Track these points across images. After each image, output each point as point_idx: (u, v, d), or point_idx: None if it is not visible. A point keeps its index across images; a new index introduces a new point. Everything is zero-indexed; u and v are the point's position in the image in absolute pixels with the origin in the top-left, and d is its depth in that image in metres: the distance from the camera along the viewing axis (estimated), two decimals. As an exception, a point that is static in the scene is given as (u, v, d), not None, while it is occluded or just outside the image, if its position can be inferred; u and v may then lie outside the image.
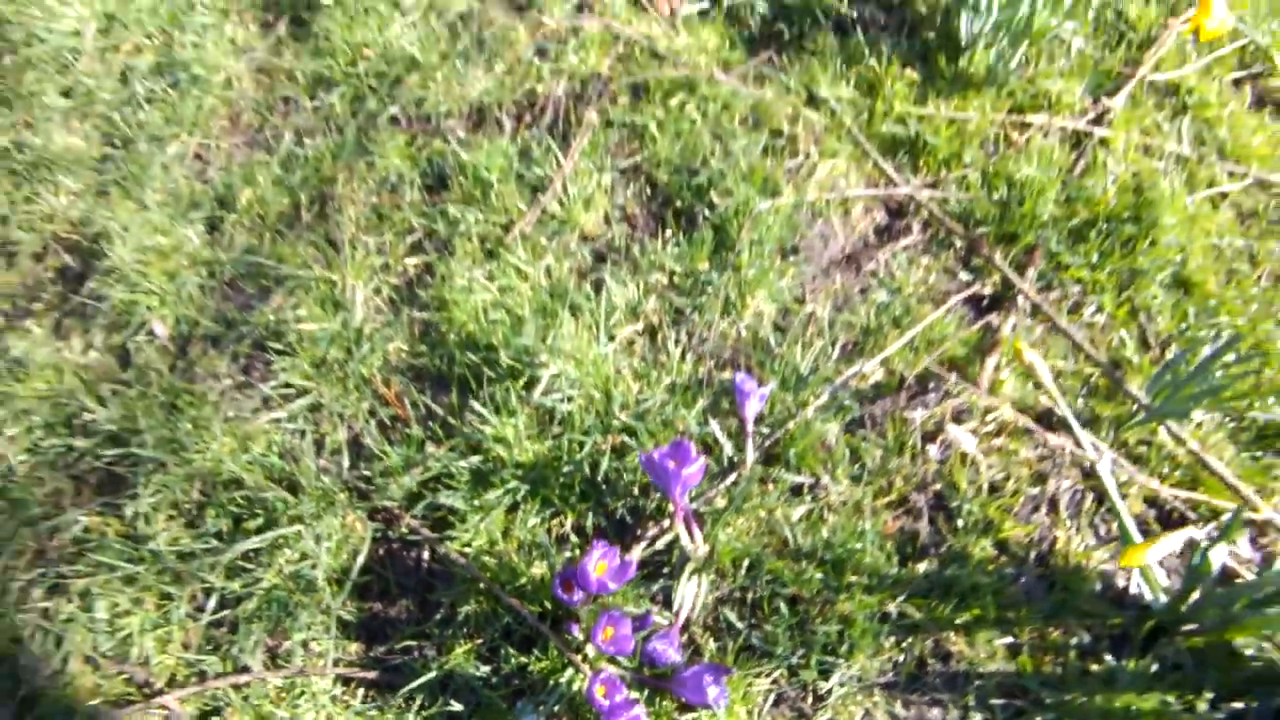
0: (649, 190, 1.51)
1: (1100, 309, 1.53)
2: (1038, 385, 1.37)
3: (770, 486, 1.24)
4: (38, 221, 1.55)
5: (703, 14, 1.76)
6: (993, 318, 1.49)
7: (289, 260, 1.43)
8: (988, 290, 1.52)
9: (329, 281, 1.40)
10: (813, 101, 1.66)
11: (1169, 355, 1.46)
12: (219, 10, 1.78)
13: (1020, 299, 1.50)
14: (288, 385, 1.33)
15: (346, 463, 1.27)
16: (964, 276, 1.52)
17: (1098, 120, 1.78)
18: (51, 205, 1.56)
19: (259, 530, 1.21)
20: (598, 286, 1.38)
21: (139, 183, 1.56)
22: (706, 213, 1.46)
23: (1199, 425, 1.45)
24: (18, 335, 1.43)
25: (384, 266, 1.42)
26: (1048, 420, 1.34)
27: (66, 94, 1.71)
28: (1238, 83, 1.92)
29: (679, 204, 1.49)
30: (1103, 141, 1.74)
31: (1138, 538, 1.17)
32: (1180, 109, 1.83)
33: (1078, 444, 1.29)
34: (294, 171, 1.53)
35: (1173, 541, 1.05)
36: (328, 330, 1.35)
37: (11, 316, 1.47)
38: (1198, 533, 1.18)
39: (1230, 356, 1.48)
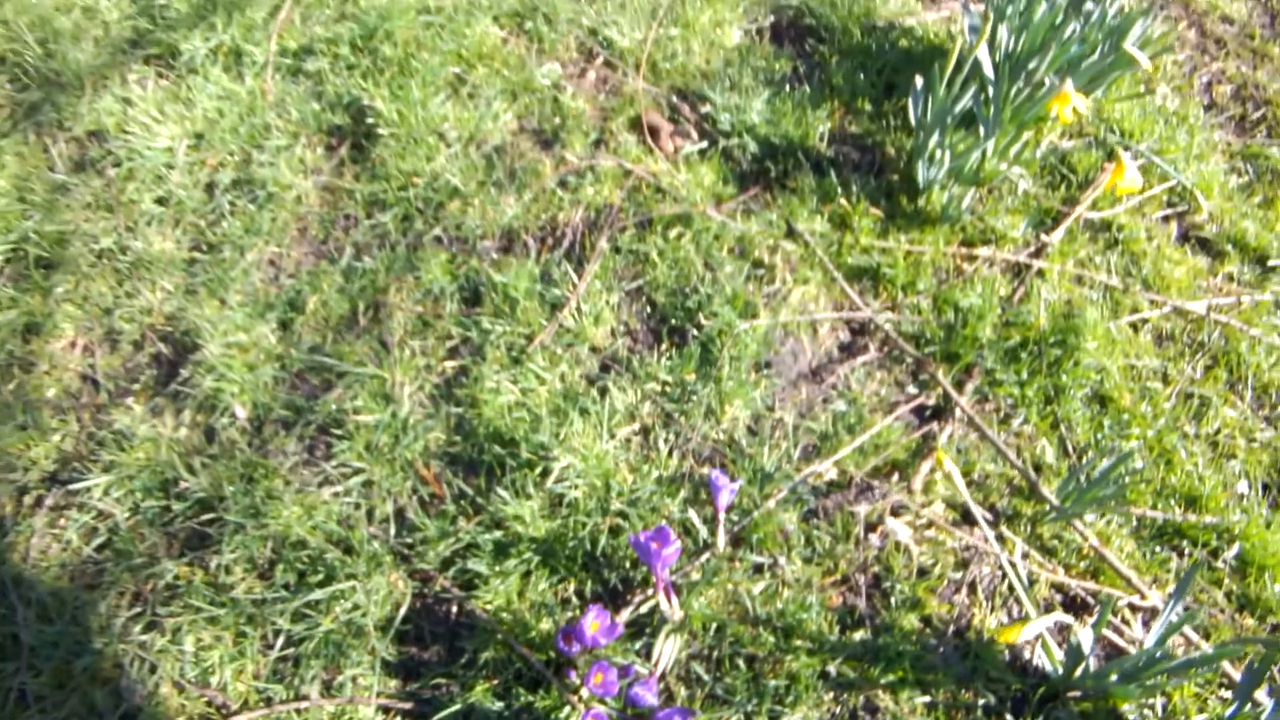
0: (649, 309, 1.86)
1: (1027, 420, 1.85)
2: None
3: (736, 565, 1.56)
4: (137, 314, 1.90)
5: (701, 153, 2.13)
6: (934, 426, 1.82)
7: (347, 358, 1.78)
8: (931, 402, 1.86)
9: (380, 378, 1.75)
10: (791, 234, 2.01)
11: (1084, 462, 1.78)
12: (291, 134, 2.16)
13: (958, 411, 1.83)
14: (345, 464, 1.66)
15: (393, 531, 1.60)
16: (911, 390, 1.86)
17: (1037, 253, 2.13)
18: (149, 300, 1.91)
19: (320, 584, 1.54)
20: (603, 392, 1.72)
21: (223, 285, 1.91)
22: (695, 331, 1.81)
23: (1108, 523, 1.77)
24: (121, 411, 1.77)
25: (426, 367, 1.77)
26: (973, 517, 1.67)
27: (161, 202, 2.08)
28: (1165, 219, 2.28)
29: (673, 322, 1.84)
30: (1040, 272, 2.09)
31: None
32: (1112, 243, 2.18)
33: (996, 539, 1.62)
34: (353, 281, 1.89)
35: (1042, 624, 1.37)
36: (379, 420, 1.69)
37: (115, 395, 1.81)
38: (1065, 617, 1.50)
39: (1138, 464, 1.82)
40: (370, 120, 2.13)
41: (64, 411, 1.80)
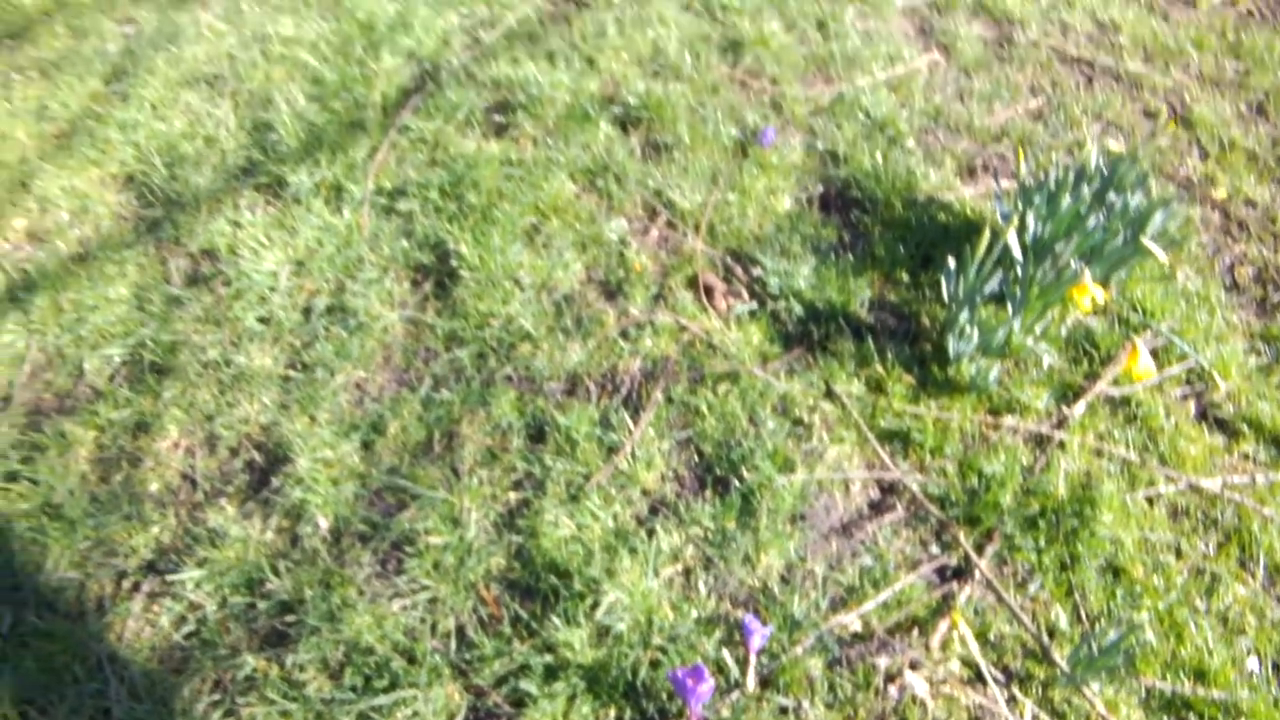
0: (697, 458, 2.10)
1: (1043, 586, 2.04)
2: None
3: (764, 705, 1.75)
4: (236, 423, 2.17)
5: (751, 313, 2.40)
6: (954, 585, 2.01)
7: (421, 481, 2.02)
8: (953, 563, 2.05)
9: (450, 503, 1.98)
10: (830, 395, 2.26)
11: (1096, 630, 1.96)
12: (381, 267, 2.46)
13: (977, 573, 2.02)
14: (414, 580, 1.89)
15: (453, 646, 1.81)
16: (934, 550, 2.06)
17: (1059, 425, 2.34)
18: (247, 411, 2.18)
19: (384, 690, 1.74)
20: (650, 533, 1.95)
21: (313, 403, 2.18)
22: (738, 482, 2.04)
23: (1117, 691, 1.93)
24: (215, 511, 2.02)
25: (492, 496, 2.01)
26: (985, 677, 1.84)
27: (263, 321, 2.37)
28: (1184, 397, 2.48)
29: (718, 472, 2.07)
30: (1061, 444, 2.30)
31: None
32: (1131, 419, 2.38)
33: (1006, 701, 1.80)
34: (430, 410, 2.15)
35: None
36: (447, 541, 1.92)
37: (211, 495, 2.06)
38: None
39: (1148, 635, 1.98)
40: (454, 262, 2.42)
41: (164, 506, 2.05)
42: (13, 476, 2.12)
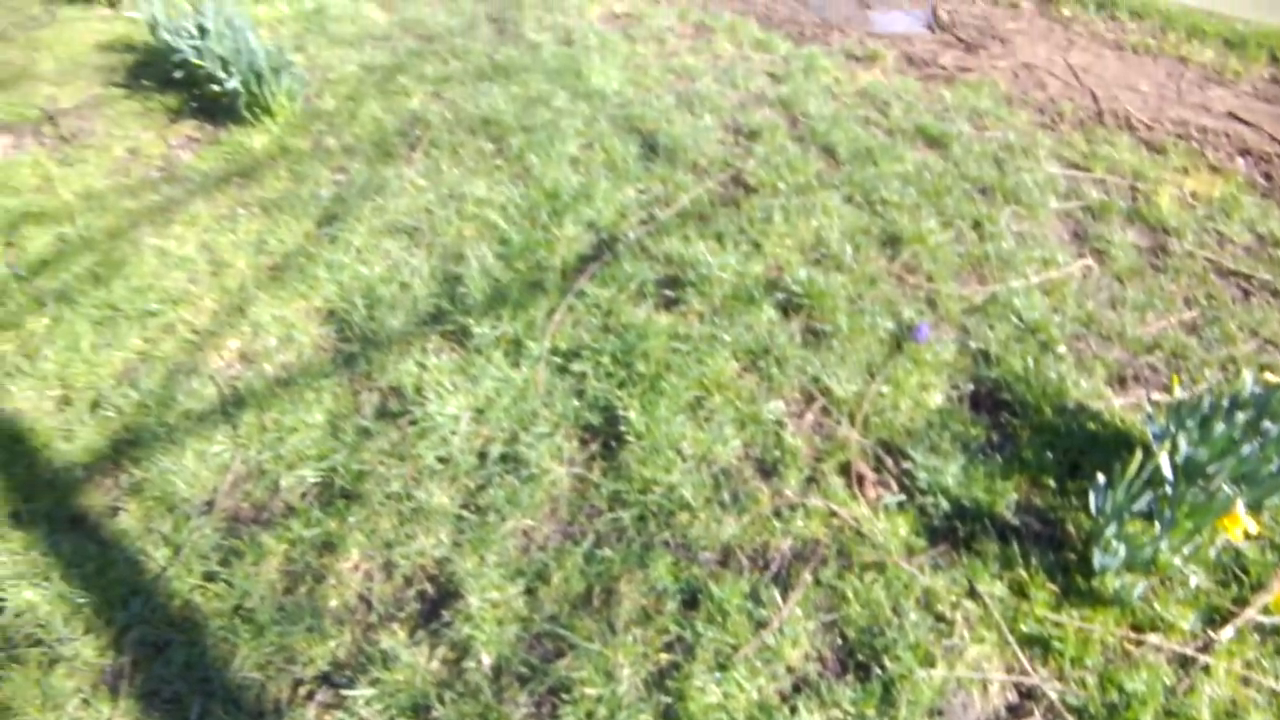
0: (840, 641, 2.28)
1: (1180, 819, 2.11)
2: None
3: None
4: (412, 554, 2.47)
5: (900, 505, 2.60)
6: (1088, 804, 2.11)
7: (579, 632, 2.27)
8: (1087, 781, 2.15)
9: (605, 656, 2.21)
10: (972, 594, 2.42)
11: None
12: (553, 423, 2.78)
13: (1112, 795, 2.12)
14: (566, 726, 2.11)
15: (598, 796, 2.01)
16: (1069, 764, 2.17)
17: (1204, 648, 2.43)
18: (423, 544, 2.48)
19: (532, 830, 1.94)
20: (793, 710, 2.13)
21: (484, 544, 2.47)
22: (879, 670, 2.21)
23: None
24: (388, 634, 2.30)
25: (644, 655, 2.23)
26: None
27: (442, 461, 2.70)
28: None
29: (860, 658, 2.25)
30: (1206, 668, 2.38)
31: None
32: (1280, 653, 2.45)
33: None
34: (591, 565, 2.41)
35: None
36: (599, 693, 2.14)
37: (384, 618, 2.35)
38: None
39: None
40: (621, 426, 2.73)
41: (342, 622, 2.34)
42: (211, 577, 2.46)
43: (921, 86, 5.00)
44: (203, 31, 4.57)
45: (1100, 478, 2.50)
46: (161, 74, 5.02)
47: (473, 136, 4.23)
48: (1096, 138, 4.46)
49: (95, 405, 2.98)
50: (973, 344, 3.13)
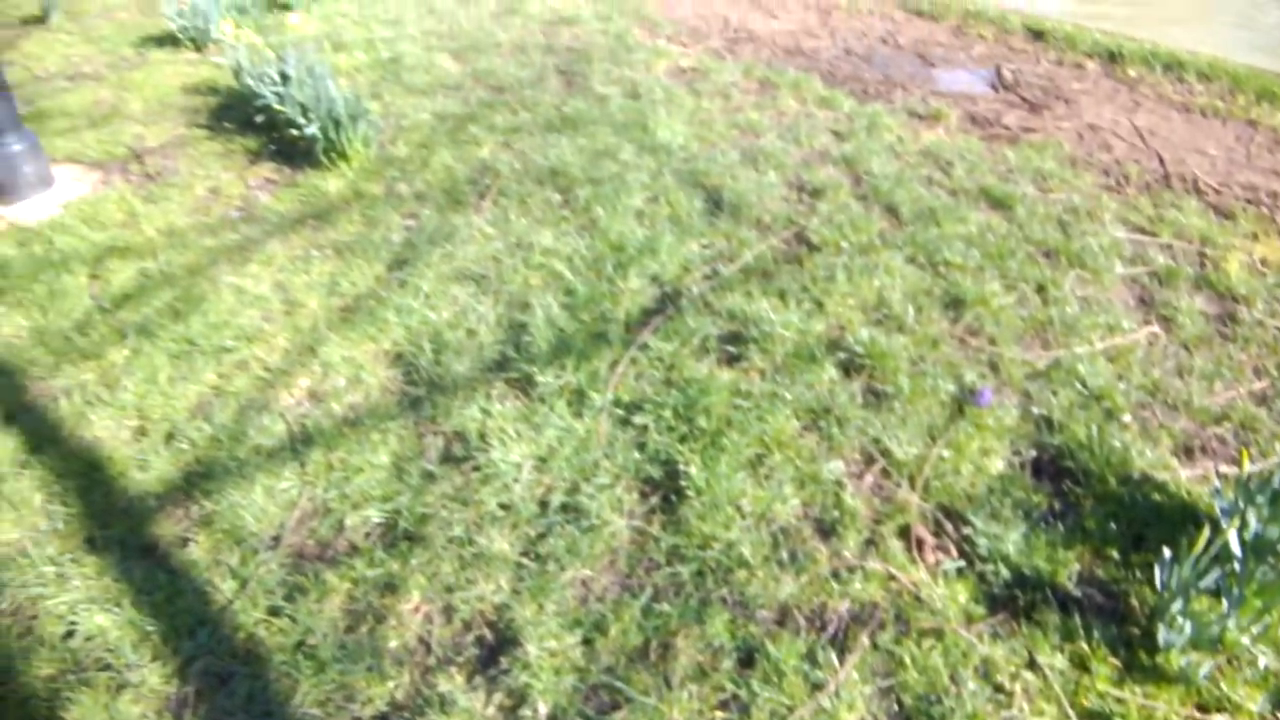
0: (896, 708, 2.28)
1: None
2: None
3: None
4: (472, 599, 2.51)
5: (959, 571, 2.60)
6: None
7: (635, 685, 2.29)
8: None
9: (660, 711, 2.23)
10: (1032, 665, 2.41)
11: None
12: (614, 474, 2.82)
13: None
14: (620, 780, 2.13)
15: None
16: None
17: (1272, 734, 2.38)
18: (483, 590, 2.53)
19: None
20: (848, 776, 2.13)
21: (543, 593, 2.51)
22: (936, 740, 2.20)
23: None
24: (445, 678, 2.34)
25: (699, 711, 2.25)
26: None
27: (504, 508, 2.75)
28: None
29: (916, 726, 2.24)
30: (1276, 759, 2.34)
31: None
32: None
33: None
34: (649, 619, 2.43)
35: None
36: (654, 748, 2.16)
37: (442, 661, 2.39)
38: None
39: None
40: (681, 481, 2.76)
41: (401, 664, 2.39)
42: (275, 611, 2.53)
43: (985, 146, 5.03)
44: (285, 79, 4.76)
45: (1166, 552, 2.48)
46: (243, 117, 5.23)
47: (540, 187, 4.34)
48: (1163, 201, 4.45)
49: (170, 437, 3.09)
50: (1035, 409, 3.12)
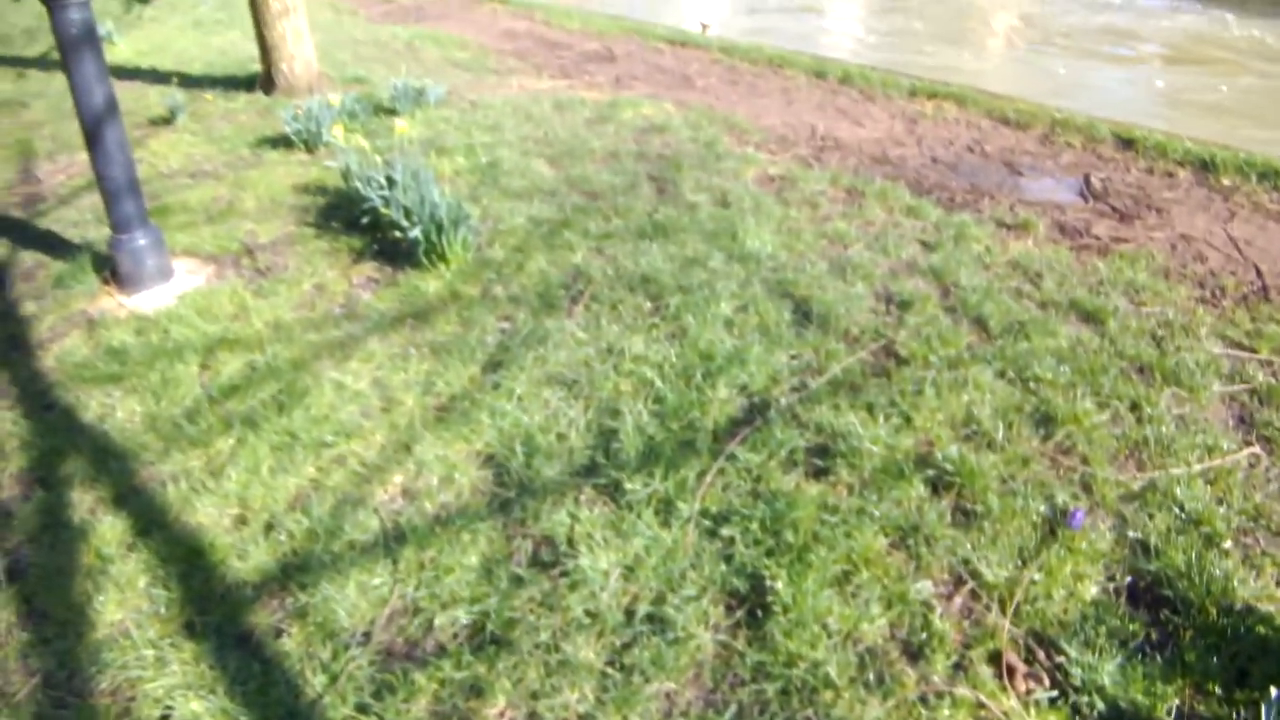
0: (987, 847, 2.23)
1: None
2: None
3: None
4: (557, 706, 2.54)
5: (1051, 701, 2.54)
6: None
7: (719, 806, 2.28)
8: None
9: (744, 835, 2.22)
10: (1130, 809, 2.33)
11: None
12: (700, 586, 2.85)
13: None
14: None
15: None
16: None
17: None
18: (567, 698, 2.56)
19: None
20: None
21: (628, 704, 2.52)
22: None
23: None
24: (529, 790, 2.36)
25: (784, 838, 2.23)
26: None
27: (590, 615, 2.79)
28: None
29: None
30: None
31: None
32: None
33: None
34: (735, 737, 2.43)
35: None
36: None
37: (526, 773, 2.41)
38: None
39: None
40: (768, 596, 2.78)
41: (484, 773, 2.42)
42: (363, 708, 2.59)
43: (1074, 257, 5.04)
44: (391, 183, 5.03)
45: (1273, 691, 2.40)
46: (349, 217, 5.52)
47: (632, 293, 4.48)
48: (1262, 315, 4.38)
49: (269, 527, 3.22)
50: (1131, 533, 3.07)
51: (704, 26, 12.06)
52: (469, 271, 4.77)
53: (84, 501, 3.47)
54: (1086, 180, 6.49)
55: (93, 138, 4.49)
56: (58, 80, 9.56)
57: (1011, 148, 7.17)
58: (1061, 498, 3.20)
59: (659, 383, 3.73)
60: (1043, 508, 3.14)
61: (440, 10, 14.78)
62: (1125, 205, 6.04)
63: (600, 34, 12.04)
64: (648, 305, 4.38)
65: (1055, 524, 3.08)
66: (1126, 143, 7.07)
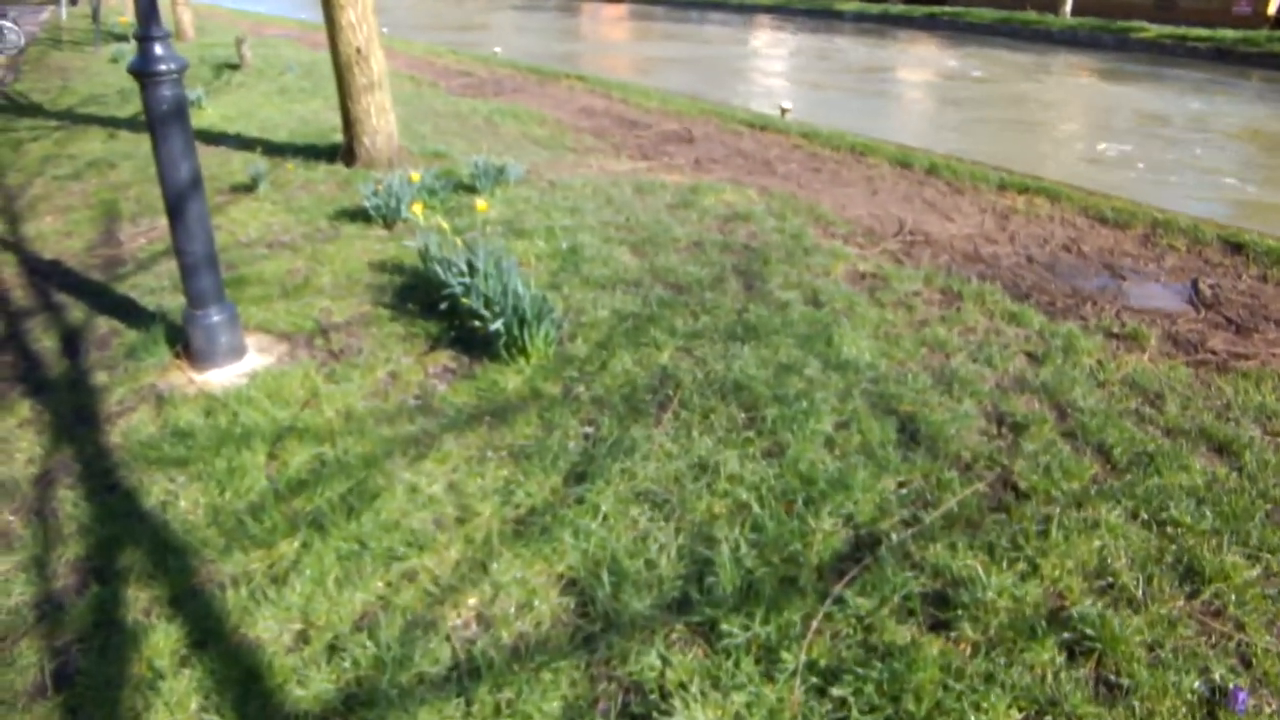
0: None
1: None
2: None
3: None
4: None
5: None
6: None
7: None
8: None
9: None
10: None
11: None
12: (810, 758, 2.50)
13: None
14: None
15: None
16: None
17: None
18: None
19: None
20: None
21: None
22: None
23: None
24: None
25: None
26: None
27: (685, 787, 2.46)
28: None
29: None
30: None
31: None
32: None
33: None
34: None
35: None
36: None
37: None
38: None
39: None
40: (891, 780, 2.42)
41: None
42: None
43: (1193, 374, 4.67)
44: (472, 269, 4.85)
45: None
46: (426, 300, 5.35)
47: (724, 402, 4.20)
48: None
49: (332, 649, 2.95)
50: (1303, 720, 2.67)
51: (783, 110, 11.94)
52: (550, 368, 4.53)
53: (139, 600, 3.24)
54: (1195, 286, 6.14)
55: (175, 212, 4.37)
56: (146, 142, 9.70)
57: (1110, 248, 6.85)
58: (1218, 671, 2.82)
59: (756, 507, 3.43)
60: (1197, 683, 2.76)
61: (517, 84, 14.93)
62: (1240, 316, 5.67)
63: (679, 114, 11.99)
64: (741, 416, 4.10)
65: (1214, 704, 2.70)
66: (1235, 247, 6.71)
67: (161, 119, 4.23)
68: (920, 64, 25.24)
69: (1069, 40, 30.86)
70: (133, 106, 12.60)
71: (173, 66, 4.13)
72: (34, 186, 8.70)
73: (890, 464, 3.72)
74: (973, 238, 7.03)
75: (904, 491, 3.58)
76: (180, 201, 4.41)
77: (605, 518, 3.44)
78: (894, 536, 3.31)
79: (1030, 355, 4.83)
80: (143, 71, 4.12)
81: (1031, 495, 3.58)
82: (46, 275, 6.36)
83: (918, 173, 8.75)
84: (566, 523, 3.42)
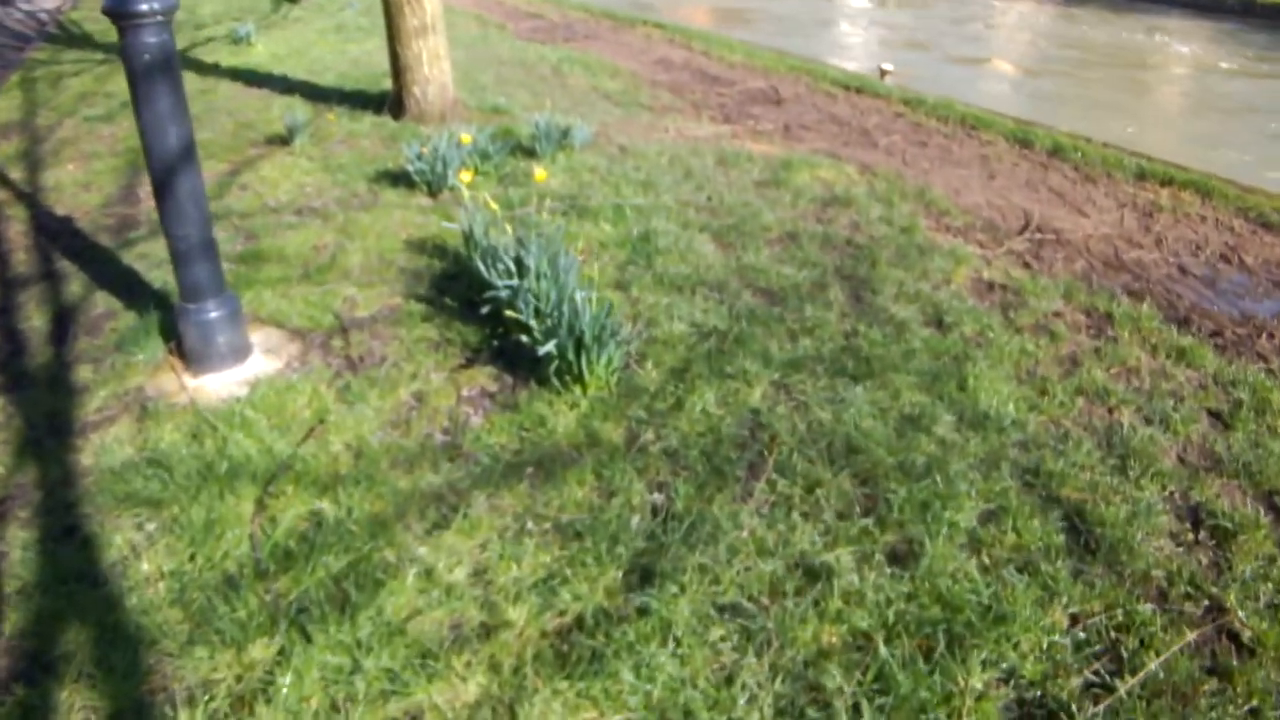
0: None
1: None
2: None
3: None
4: None
5: None
6: None
7: None
8: None
9: None
10: None
11: None
12: None
13: None
14: None
15: None
16: None
17: None
18: None
19: None
20: None
21: None
22: None
23: None
24: None
25: None
26: None
27: None
28: None
29: None
30: None
31: None
32: None
33: None
34: None
35: None
36: None
37: None
38: None
39: None
40: None
41: None
42: None
43: None
44: (521, 268, 3.95)
45: None
46: (466, 295, 4.49)
47: (832, 470, 3.26)
48: None
49: (302, 820, 2.12)
50: None
51: (883, 72, 10.75)
52: (612, 403, 3.62)
53: (73, 711, 2.46)
54: (1396, 320, 5.02)
55: (162, 188, 3.53)
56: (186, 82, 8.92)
57: (1278, 261, 5.73)
58: None
59: (881, 646, 2.51)
60: None
61: (590, 30, 13.87)
62: None
63: (765, 71, 10.87)
64: (857, 493, 3.16)
65: None
66: None
67: (144, 72, 3.38)
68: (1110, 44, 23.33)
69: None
70: (184, 38, 11.84)
71: (156, 6, 3.25)
72: (63, 128, 8.00)
73: (1060, 585, 2.76)
74: (1112, 239, 5.95)
75: (1081, 634, 2.63)
76: (168, 175, 3.56)
77: (677, 642, 2.57)
78: (1075, 709, 2.37)
79: (1215, 415, 3.81)
80: (119, 12, 3.25)
81: (1257, 650, 2.61)
82: (54, 235, 5.64)
83: (1039, 153, 7.62)
84: (625, 646, 2.55)
